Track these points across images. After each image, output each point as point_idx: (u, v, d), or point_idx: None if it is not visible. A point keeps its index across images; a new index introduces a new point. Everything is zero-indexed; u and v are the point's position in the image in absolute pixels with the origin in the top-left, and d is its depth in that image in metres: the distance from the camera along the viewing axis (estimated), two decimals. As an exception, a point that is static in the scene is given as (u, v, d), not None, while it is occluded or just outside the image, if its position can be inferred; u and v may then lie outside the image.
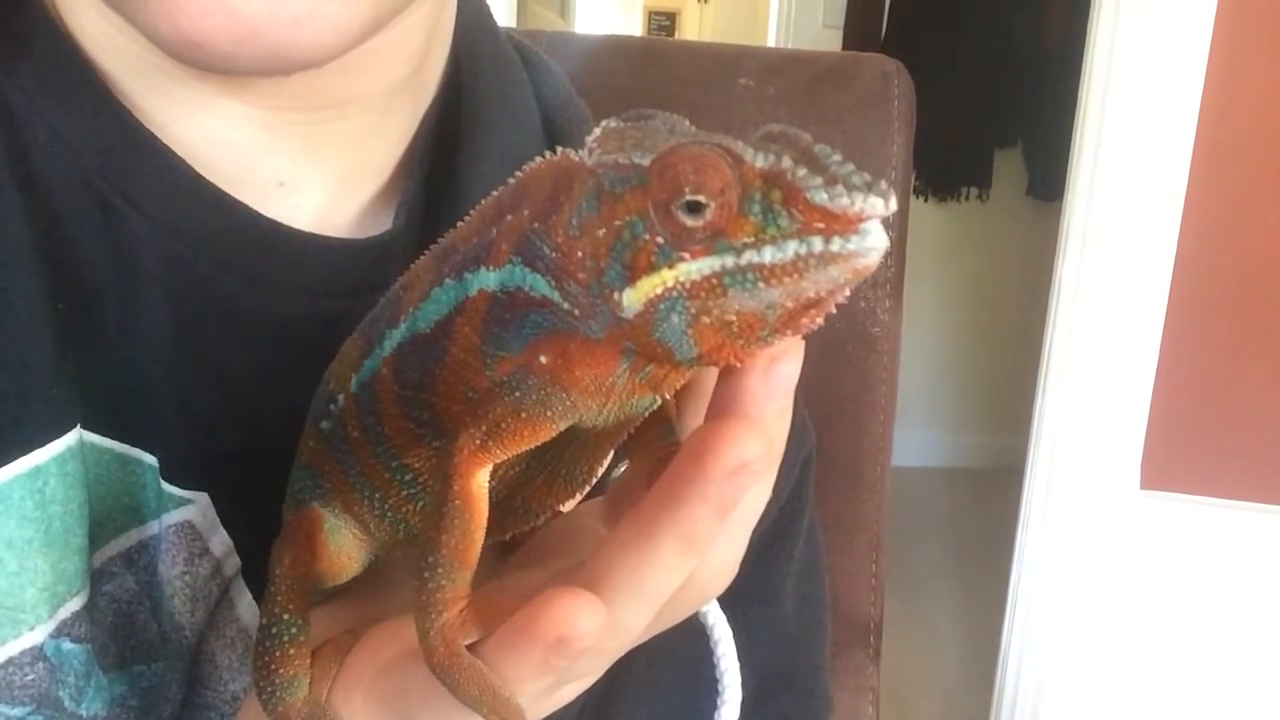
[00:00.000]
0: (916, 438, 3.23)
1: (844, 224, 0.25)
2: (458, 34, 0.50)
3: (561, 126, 0.53)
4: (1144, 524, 1.82)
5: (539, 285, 0.29)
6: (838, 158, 0.26)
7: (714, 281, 0.26)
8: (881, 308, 0.72)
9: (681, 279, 0.26)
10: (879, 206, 0.25)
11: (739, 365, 0.28)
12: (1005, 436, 3.04)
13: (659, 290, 0.26)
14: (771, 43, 3.44)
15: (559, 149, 0.30)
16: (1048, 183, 2.99)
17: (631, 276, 0.27)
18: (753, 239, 0.26)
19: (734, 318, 0.26)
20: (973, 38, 3.09)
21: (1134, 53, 1.69)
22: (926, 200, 3.21)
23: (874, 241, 0.25)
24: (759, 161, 0.26)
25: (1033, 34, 3.07)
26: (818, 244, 0.25)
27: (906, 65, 0.74)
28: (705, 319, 0.26)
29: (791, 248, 0.25)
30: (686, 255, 0.26)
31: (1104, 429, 1.80)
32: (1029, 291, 2.79)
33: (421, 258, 0.34)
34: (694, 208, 0.26)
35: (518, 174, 0.31)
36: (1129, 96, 1.71)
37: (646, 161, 0.27)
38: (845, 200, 0.25)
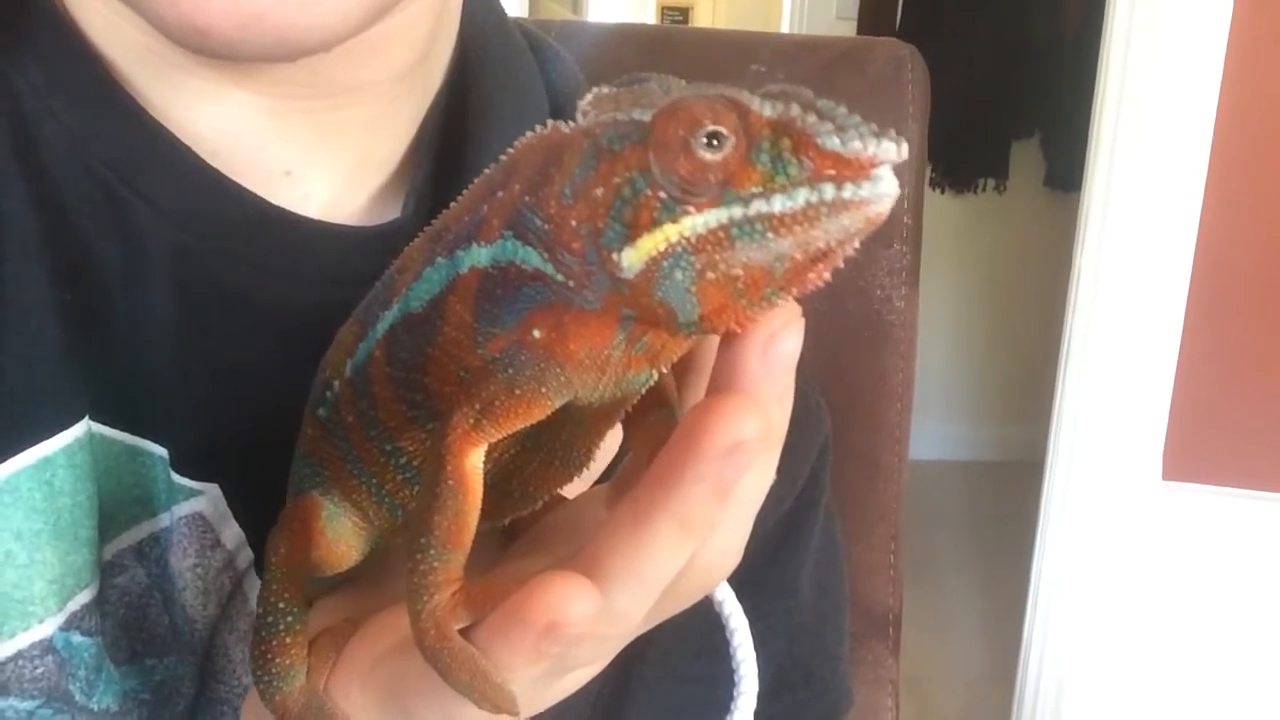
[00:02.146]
0: (934, 431, 3.21)
1: (856, 170, 0.24)
2: (465, 21, 0.50)
3: (571, 114, 0.52)
4: (1166, 516, 1.80)
5: (531, 258, 0.28)
6: (843, 110, 0.25)
7: (720, 234, 0.25)
8: (897, 295, 0.72)
9: (686, 233, 0.25)
10: (892, 151, 0.24)
11: (739, 330, 0.27)
12: (1024, 429, 3.02)
13: (662, 247, 0.26)
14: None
15: (549, 122, 0.29)
16: (1066, 173, 2.97)
17: (632, 235, 0.26)
18: (760, 189, 0.25)
19: (740, 272, 0.26)
20: (988, 28, 3.07)
21: (1152, 41, 1.68)
22: (943, 192, 3.19)
23: (886, 188, 0.25)
24: (766, 110, 0.25)
25: (1049, 23, 3.05)
26: (829, 191, 0.25)
27: (922, 55, 0.73)
28: (710, 274, 0.26)
29: (802, 195, 0.25)
30: (691, 209, 0.25)
31: (1125, 420, 1.79)
32: (1047, 283, 2.77)
33: (415, 240, 0.33)
34: (714, 139, 0.25)
35: (508, 150, 0.30)
36: (1147, 86, 1.69)
37: (647, 117, 0.26)
38: (858, 144, 0.24)
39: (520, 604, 0.26)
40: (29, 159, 0.41)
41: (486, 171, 0.31)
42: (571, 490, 0.35)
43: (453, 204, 0.32)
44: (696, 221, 0.25)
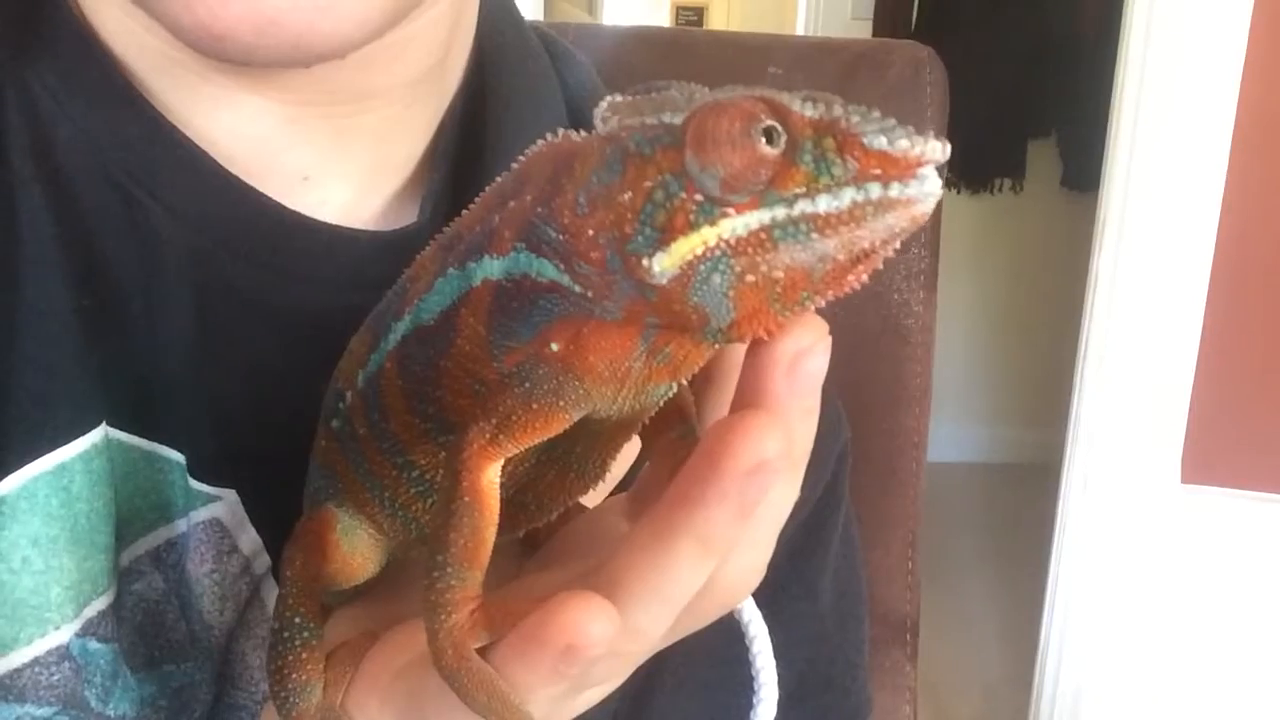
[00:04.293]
0: (951, 432, 3.20)
1: (902, 169, 0.24)
2: (482, 25, 0.50)
3: (588, 117, 0.52)
4: (1185, 519, 1.79)
5: (547, 270, 0.28)
6: (877, 113, 0.25)
7: (763, 236, 0.25)
8: (916, 300, 0.71)
9: (725, 235, 0.25)
10: (938, 150, 0.24)
11: (767, 337, 0.27)
12: (1042, 431, 3.00)
13: (699, 250, 0.25)
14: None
15: (560, 131, 0.29)
16: (1083, 173, 2.95)
17: (664, 239, 0.25)
18: (804, 189, 0.25)
19: (781, 274, 0.25)
20: (1005, 26, 3.06)
21: (1170, 39, 1.66)
22: (959, 192, 3.17)
23: (931, 187, 0.24)
24: (808, 111, 0.25)
25: (1067, 21, 3.04)
26: (875, 190, 0.24)
27: (937, 55, 0.73)
28: (750, 277, 0.25)
29: (848, 195, 0.24)
30: (730, 210, 0.25)
31: (1143, 422, 1.77)
32: (1064, 283, 2.76)
33: (427, 248, 0.33)
34: (769, 135, 0.24)
35: (519, 159, 0.30)
36: (1166, 85, 1.68)
37: (679, 120, 0.25)
38: (905, 143, 0.24)
39: (538, 625, 0.26)
40: (46, 163, 0.41)
41: (498, 180, 0.31)
42: (590, 499, 0.35)
43: (464, 212, 0.32)
44: (737, 223, 0.25)
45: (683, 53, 0.74)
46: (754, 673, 0.44)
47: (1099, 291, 1.78)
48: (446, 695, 0.28)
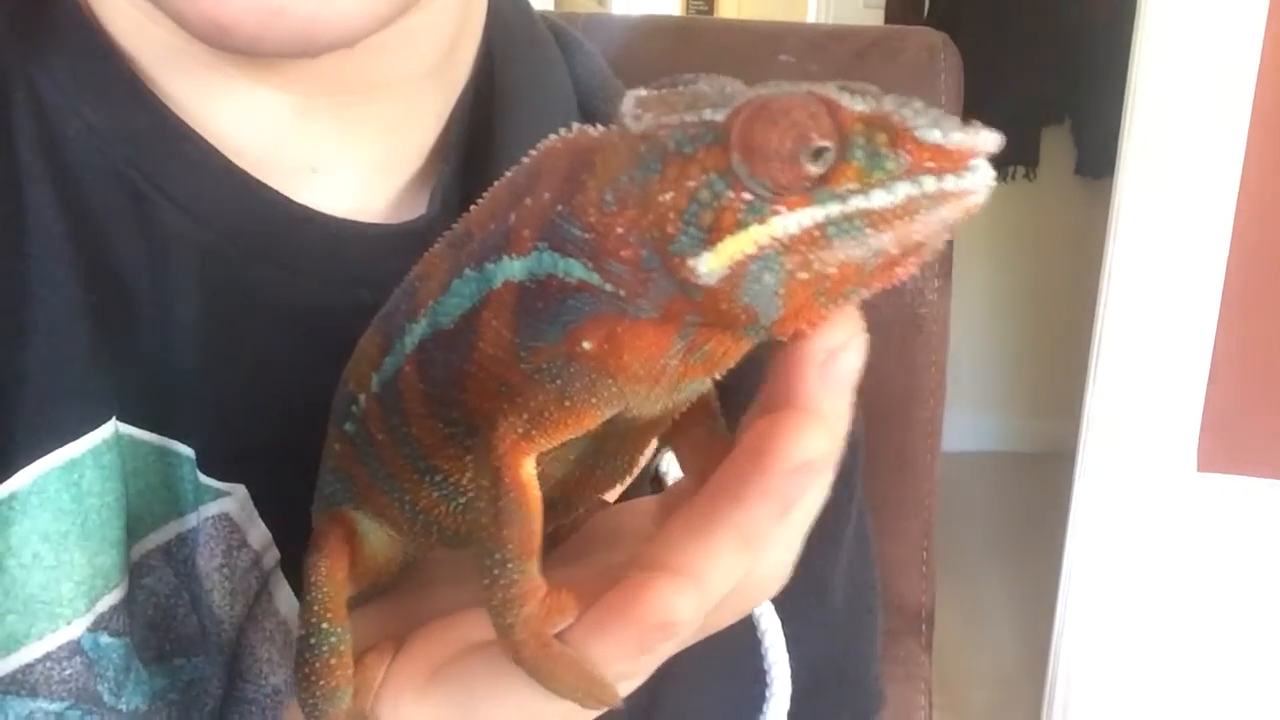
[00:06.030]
0: (965, 421, 3.18)
1: (955, 161, 0.24)
2: (490, 15, 0.49)
3: (598, 107, 0.52)
4: (1201, 507, 1.78)
5: (574, 269, 0.27)
6: (919, 103, 0.25)
7: (816, 233, 0.24)
8: (930, 289, 0.71)
9: (777, 234, 0.25)
10: (990, 142, 0.24)
11: (809, 330, 0.26)
12: (1057, 420, 2.98)
13: (749, 250, 0.25)
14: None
15: (574, 126, 0.29)
16: (1097, 160, 2.93)
17: (711, 239, 0.25)
18: (857, 185, 0.24)
19: (834, 270, 0.25)
20: (1018, 12, 3.03)
21: (1187, 25, 1.65)
22: (971, 180, 3.15)
23: (984, 177, 0.24)
24: (857, 105, 0.24)
25: (1080, 6, 3.01)
26: (930, 183, 0.24)
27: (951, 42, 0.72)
28: (802, 274, 0.25)
29: (902, 189, 0.24)
30: (782, 208, 0.24)
31: (1158, 410, 1.76)
32: (1079, 271, 2.74)
33: (436, 245, 0.32)
34: (819, 154, 0.24)
35: (531, 153, 0.29)
36: (1181, 70, 1.66)
37: (720, 117, 0.25)
38: (959, 135, 0.24)
39: (625, 602, 0.26)
40: (54, 159, 0.41)
41: (508, 174, 0.30)
42: (609, 495, 0.35)
43: (474, 207, 0.31)
44: (788, 221, 0.25)
45: (694, 41, 0.74)
46: (766, 666, 0.44)
47: (1113, 279, 1.77)
48: (500, 679, 0.29)
